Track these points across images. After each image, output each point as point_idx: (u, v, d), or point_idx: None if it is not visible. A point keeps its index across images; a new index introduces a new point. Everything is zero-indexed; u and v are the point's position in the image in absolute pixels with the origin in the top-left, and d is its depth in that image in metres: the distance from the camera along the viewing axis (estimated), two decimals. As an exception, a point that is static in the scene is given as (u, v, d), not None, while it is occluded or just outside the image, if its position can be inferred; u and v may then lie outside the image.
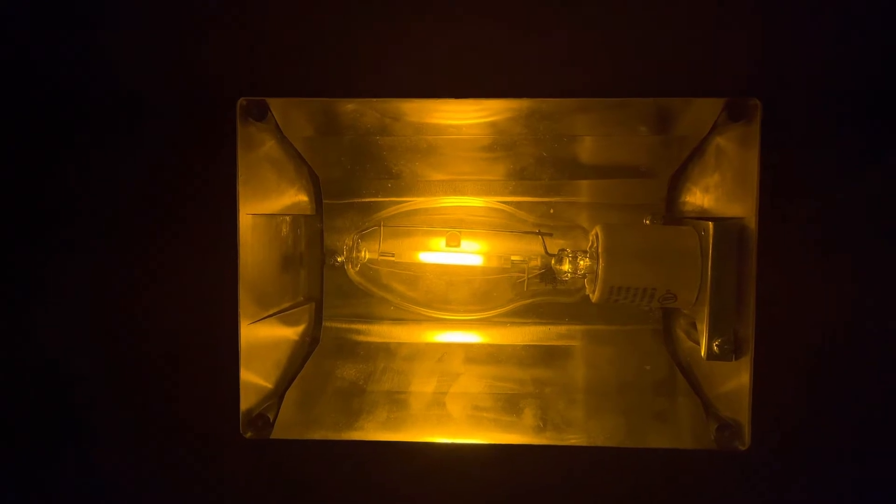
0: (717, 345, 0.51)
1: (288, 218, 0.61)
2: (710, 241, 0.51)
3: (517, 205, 0.64)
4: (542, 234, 0.60)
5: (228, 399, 0.53)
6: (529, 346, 0.66)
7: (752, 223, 0.49)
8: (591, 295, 0.56)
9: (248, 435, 0.54)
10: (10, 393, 0.61)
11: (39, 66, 0.57)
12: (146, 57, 0.56)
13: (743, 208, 0.50)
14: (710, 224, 0.51)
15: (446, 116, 0.58)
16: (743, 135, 0.50)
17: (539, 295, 0.63)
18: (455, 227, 0.61)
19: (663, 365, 0.63)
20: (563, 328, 0.66)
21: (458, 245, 0.60)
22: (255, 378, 0.55)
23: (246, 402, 0.54)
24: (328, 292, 0.67)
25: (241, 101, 0.51)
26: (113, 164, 0.57)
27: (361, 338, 0.67)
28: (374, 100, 0.53)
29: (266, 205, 0.56)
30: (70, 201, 0.59)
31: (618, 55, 0.54)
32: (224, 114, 0.51)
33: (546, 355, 0.65)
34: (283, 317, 0.61)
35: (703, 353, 0.52)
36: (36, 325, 0.60)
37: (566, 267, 0.58)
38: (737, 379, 0.51)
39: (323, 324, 0.67)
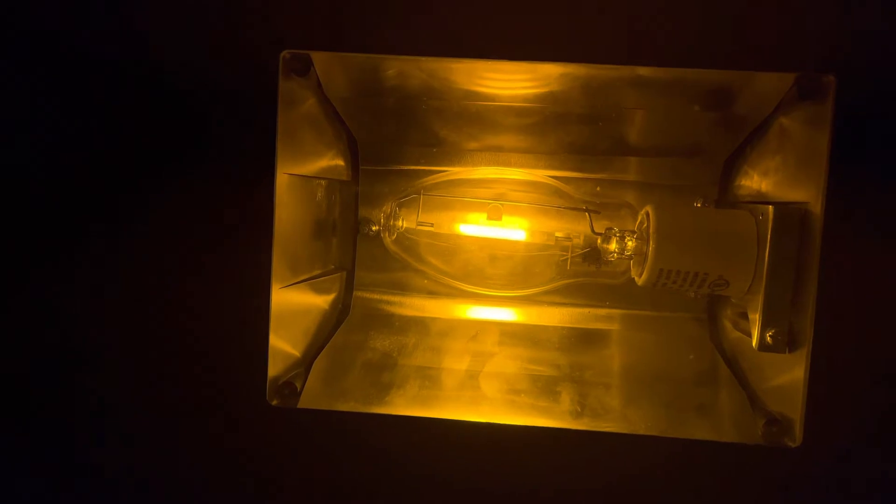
0: (770, 335, 0.48)
1: (323, 182, 0.59)
2: (770, 225, 0.48)
3: (563, 180, 0.61)
4: (590, 212, 0.57)
5: (256, 364, 0.51)
6: (568, 327, 0.63)
7: (816, 208, 0.46)
8: (636, 278, 0.54)
9: (275, 402, 0.52)
10: (41, 350, 0.61)
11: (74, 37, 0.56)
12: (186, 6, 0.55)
13: (807, 193, 0.47)
14: (771, 207, 0.48)
15: (494, 83, 0.55)
16: (812, 114, 0.47)
17: (581, 276, 0.60)
18: (496, 200, 0.59)
19: (706, 355, 0.60)
20: (603, 311, 0.63)
21: (499, 219, 0.58)
22: (283, 345, 0.53)
23: (273, 368, 0.52)
24: (360, 262, 0.65)
25: (285, 53, 0.49)
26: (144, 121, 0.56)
27: (393, 310, 0.65)
28: (421, 58, 0.50)
29: (303, 166, 0.54)
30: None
31: (679, 24, 0.51)
32: (266, 68, 0.49)
33: (585, 338, 0.63)
34: (313, 284, 0.59)
35: (754, 344, 0.49)
36: (72, 288, 0.59)
37: (613, 247, 0.55)
38: (789, 373, 0.48)
39: (353, 294, 0.65)
